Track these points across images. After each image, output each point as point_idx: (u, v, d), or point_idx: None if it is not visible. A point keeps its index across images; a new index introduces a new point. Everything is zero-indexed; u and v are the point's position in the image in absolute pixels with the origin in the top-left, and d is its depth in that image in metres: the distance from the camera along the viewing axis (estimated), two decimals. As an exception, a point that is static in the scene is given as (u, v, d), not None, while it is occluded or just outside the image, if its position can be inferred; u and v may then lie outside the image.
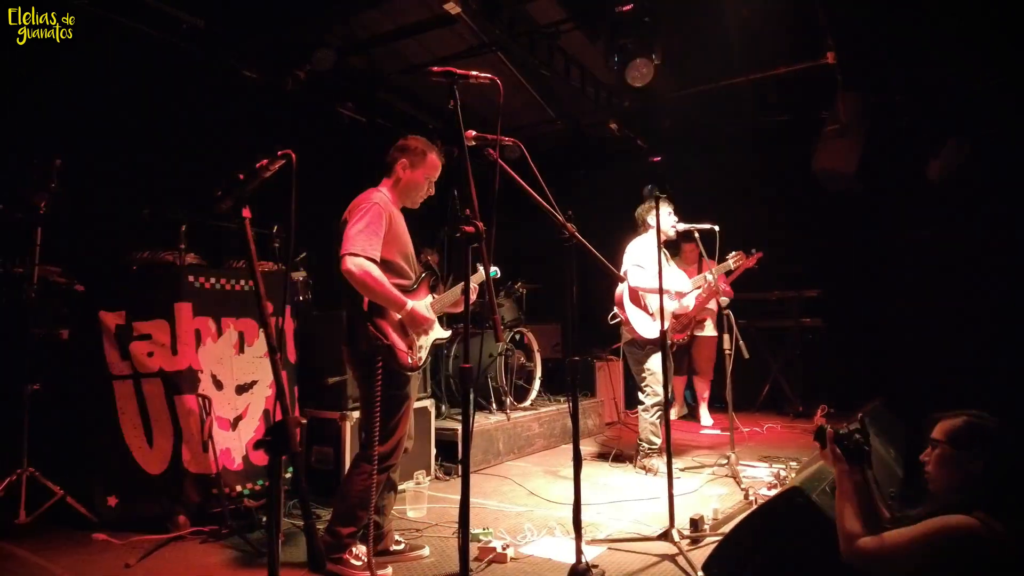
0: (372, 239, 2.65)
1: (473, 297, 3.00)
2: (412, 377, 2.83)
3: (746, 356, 4.42)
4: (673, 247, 5.76)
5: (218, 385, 3.49)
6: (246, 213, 1.39)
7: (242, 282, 3.69)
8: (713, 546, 2.56)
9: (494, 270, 3.12)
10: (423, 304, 2.82)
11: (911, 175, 6.41)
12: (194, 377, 3.37)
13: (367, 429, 2.72)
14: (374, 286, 2.62)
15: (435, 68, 1.96)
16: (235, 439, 3.52)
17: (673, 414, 6.54)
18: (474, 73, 2.02)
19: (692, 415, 6.81)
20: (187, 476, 3.31)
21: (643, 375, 4.58)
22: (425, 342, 2.89)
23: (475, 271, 3.00)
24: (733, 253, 5.23)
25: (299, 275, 4.13)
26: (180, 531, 3.21)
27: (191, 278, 3.47)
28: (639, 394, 4.67)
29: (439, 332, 2.97)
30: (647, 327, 4.50)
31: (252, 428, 3.62)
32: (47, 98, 4.36)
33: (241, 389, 3.59)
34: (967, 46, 5.54)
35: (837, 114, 6.06)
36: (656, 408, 4.52)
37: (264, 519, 3.33)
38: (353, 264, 2.59)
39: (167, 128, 5.03)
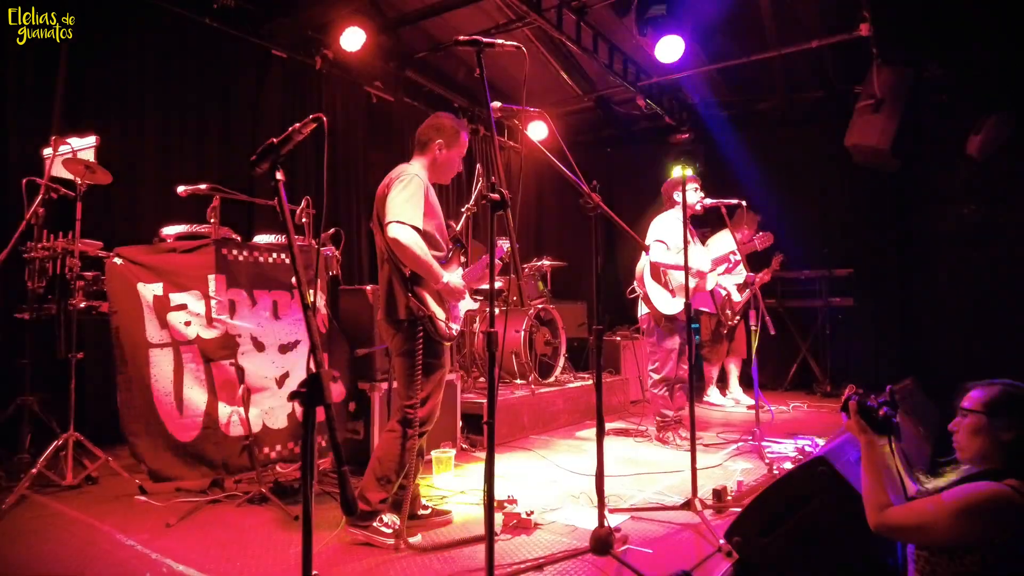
0: (417, 208, 2.69)
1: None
2: (446, 348, 2.90)
3: (772, 332, 4.39)
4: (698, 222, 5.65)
5: (259, 347, 3.58)
6: (280, 176, 1.44)
7: (274, 255, 3.78)
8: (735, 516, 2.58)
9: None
10: (456, 275, 2.88)
11: (949, 151, 6.23)
12: (231, 343, 3.47)
13: (404, 395, 2.79)
14: (419, 254, 2.65)
15: (461, 37, 1.98)
16: (280, 397, 3.62)
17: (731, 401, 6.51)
18: (500, 41, 2.04)
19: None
20: (223, 440, 3.42)
21: (655, 350, 4.64)
22: (458, 312, 2.95)
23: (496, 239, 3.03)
24: (760, 233, 5.17)
25: (329, 250, 4.20)
26: (217, 494, 3.34)
27: (224, 251, 3.56)
28: (649, 368, 4.73)
29: (469, 303, 3.02)
30: (666, 303, 4.50)
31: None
32: (85, 79, 4.49)
33: (285, 348, 3.69)
34: (1009, 17, 5.35)
35: (871, 88, 5.90)
36: (662, 384, 4.59)
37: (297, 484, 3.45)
38: (401, 231, 2.62)
39: (199, 107, 5.14)
